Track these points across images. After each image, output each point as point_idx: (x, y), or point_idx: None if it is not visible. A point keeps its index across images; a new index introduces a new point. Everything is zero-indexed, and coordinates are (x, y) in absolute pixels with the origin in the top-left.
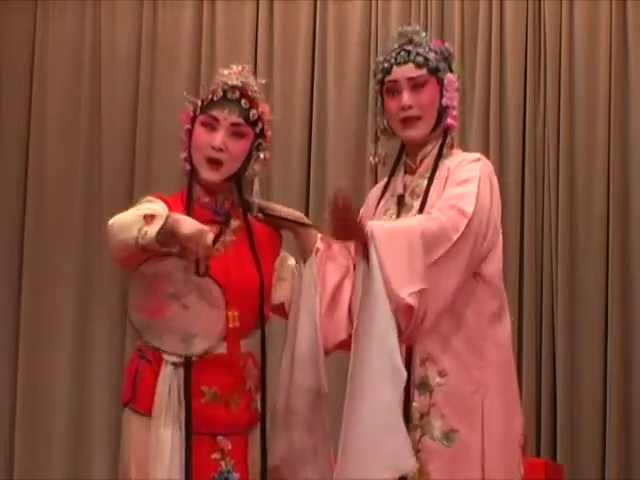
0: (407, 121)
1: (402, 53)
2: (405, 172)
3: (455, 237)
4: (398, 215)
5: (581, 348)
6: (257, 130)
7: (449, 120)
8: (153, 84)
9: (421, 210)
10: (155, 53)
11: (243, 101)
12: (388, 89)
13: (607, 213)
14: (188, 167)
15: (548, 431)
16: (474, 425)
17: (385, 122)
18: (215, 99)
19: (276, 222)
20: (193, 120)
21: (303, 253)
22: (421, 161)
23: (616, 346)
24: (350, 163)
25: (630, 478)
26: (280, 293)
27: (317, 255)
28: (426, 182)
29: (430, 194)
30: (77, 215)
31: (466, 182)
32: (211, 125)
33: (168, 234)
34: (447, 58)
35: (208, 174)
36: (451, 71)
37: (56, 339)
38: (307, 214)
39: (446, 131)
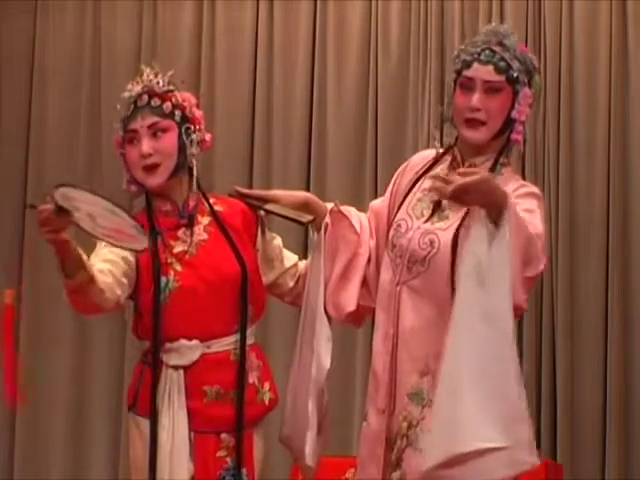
0: (471, 122)
1: (487, 52)
2: (451, 165)
3: (540, 269)
4: (429, 219)
5: (581, 348)
6: (177, 118)
7: (514, 135)
8: None
9: (459, 227)
10: (155, 53)
11: (152, 101)
12: (462, 83)
13: (607, 213)
14: (134, 188)
15: (548, 431)
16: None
17: (451, 112)
18: (129, 114)
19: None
20: (123, 143)
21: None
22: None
23: (616, 346)
24: (350, 163)
25: (630, 478)
26: (272, 272)
27: (326, 232)
28: None
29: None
30: None
31: (533, 214)
32: (133, 139)
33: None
34: (530, 71)
35: (150, 181)
36: (529, 85)
37: (56, 339)
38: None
39: (504, 146)
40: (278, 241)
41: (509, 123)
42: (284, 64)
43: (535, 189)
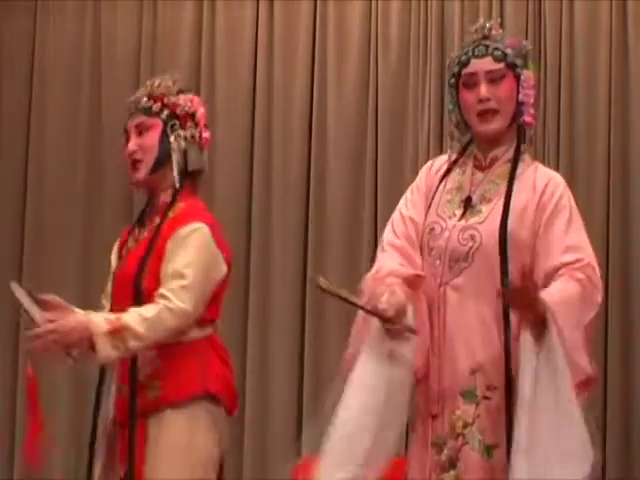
0: (484, 114)
1: (480, 47)
2: (474, 165)
3: (600, 299)
4: (462, 216)
5: None
6: (164, 116)
7: (526, 117)
8: None
9: (504, 219)
10: (155, 53)
11: (144, 101)
12: (465, 82)
13: (607, 213)
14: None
15: None
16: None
17: (458, 115)
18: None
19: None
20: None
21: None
22: (492, 162)
23: (616, 346)
24: (350, 163)
25: (630, 478)
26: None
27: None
28: (498, 187)
29: (514, 205)
30: (77, 215)
31: (577, 229)
32: (125, 139)
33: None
34: (524, 55)
35: (133, 176)
36: (527, 68)
37: None
38: (306, 213)
39: (519, 131)
40: (173, 267)
41: (519, 108)
42: (284, 64)
43: (559, 178)
